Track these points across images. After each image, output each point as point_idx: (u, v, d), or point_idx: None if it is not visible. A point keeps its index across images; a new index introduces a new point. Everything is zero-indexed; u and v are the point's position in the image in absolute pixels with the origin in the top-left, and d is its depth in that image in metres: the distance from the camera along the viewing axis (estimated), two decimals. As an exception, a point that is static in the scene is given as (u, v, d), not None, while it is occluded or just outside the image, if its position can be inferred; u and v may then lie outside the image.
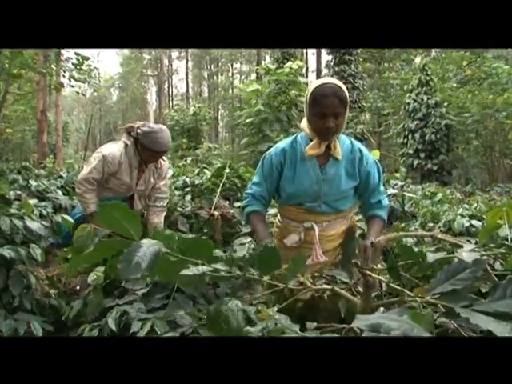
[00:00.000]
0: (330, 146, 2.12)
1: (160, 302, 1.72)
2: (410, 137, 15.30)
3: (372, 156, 2.27)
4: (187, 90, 45.14)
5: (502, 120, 14.41)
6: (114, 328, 1.55)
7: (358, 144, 2.25)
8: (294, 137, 2.27)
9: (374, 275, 1.26)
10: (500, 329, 0.85)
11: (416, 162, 14.67)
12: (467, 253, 1.04)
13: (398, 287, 1.17)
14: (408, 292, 1.14)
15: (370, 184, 2.21)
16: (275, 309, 1.23)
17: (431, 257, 1.10)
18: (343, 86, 2.06)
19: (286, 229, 2.26)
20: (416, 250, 1.13)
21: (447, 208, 4.12)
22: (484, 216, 3.87)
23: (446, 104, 15.52)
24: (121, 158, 3.27)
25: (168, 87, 46.92)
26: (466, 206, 4.20)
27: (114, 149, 3.30)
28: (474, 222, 3.59)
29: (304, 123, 2.17)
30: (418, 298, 1.09)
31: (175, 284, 1.72)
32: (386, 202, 2.27)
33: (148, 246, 1.23)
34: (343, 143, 2.19)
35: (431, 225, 3.79)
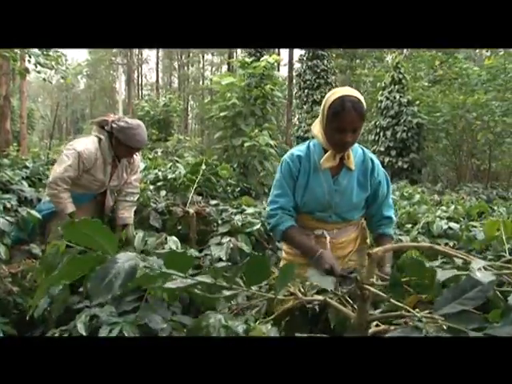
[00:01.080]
0: (343, 156, 2.08)
1: (132, 305, 1.62)
2: (381, 134, 15.42)
3: (381, 166, 2.23)
4: (157, 80, 44.56)
5: (471, 121, 14.65)
6: (83, 333, 1.44)
7: (369, 153, 2.20)
8: (307, 144, 2.21)
9: (372, 289, 1.18)
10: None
11: (387, 159, 14.78)
12: (481, 273, 0.96)
13: (400, 304, 1.09)
14: (411, 309, 1.06)
15: (379, 196, 2.17)
16: (269, 326, 1.13)
17: (441, 274, 1.01)
18: (362, 98, 1.99)
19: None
20: (428, 265, 1.05)
21: (425, 210, 4.11)
22: (461, 218, 3.89)
23: (417, 103, 15.69)
24: (96, 155, 3.11)
25: (138, 76, 46.20)
26: (444, 207, 4.20)
27: (89, 144, 3.12)
28: (451, 224, 3.59)
29: (317, 130, 2.11)
30: (423, 319, 1.00)
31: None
32: (394, 217, 2.23)
33: (124, 261, 1.11)
34: (356, 153, 2.14)
35: (409, 226, 3.78)
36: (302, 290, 1.52)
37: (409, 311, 1.09)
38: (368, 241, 2.35)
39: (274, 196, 2.20)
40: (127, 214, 3.32)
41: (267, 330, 1.14)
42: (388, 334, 1.04)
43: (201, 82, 42.11)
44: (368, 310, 1.25)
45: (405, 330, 1.02)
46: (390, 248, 1.33)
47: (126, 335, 1.36)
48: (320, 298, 1.42)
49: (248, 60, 6.71)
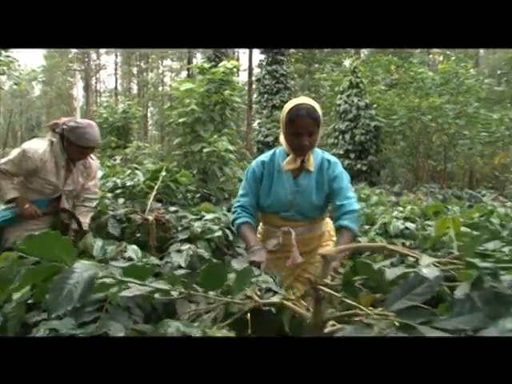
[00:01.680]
0: (304, 159, 2.29)
1: (92, 316, 1.58)
2: (340, 137, 15.68)
3: (341, 166, 2.40)
4: (116, 87, 43.96)
5: (426, 123, 15.07)
6: None
7: (327, 155, 2.40)
8: (273, 151, 2.43)
9: (326, 289, 1.20)
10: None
11: (346, 162, 15.03)
12: (427, 268, 0.99)
13: (353, 302, 1.11)
14: (364, 307, 1.08)
15: (336, 188, 2.30)
16: (225, 330, 1.14)
17: (390, 273, 1.05)
18: (317, 106, 2.22)
19: (267, 234, 2.44)
20: (376, 267, 1.08)
21: (382, 211, 4.21)
22: (417, 218, 3.99)
23: (375, 106, 16.03)
24: (44, 156, 3.05)
25: (96, 83, 45.48)
26: (400, 208, 4.30)
27: (38, 145, 3.09)
28: (408, 224, 3.68)
29: (282, 139, 2.33)
30: (375, 316, 1.03)
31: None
32: (354, 207, 2.30)
33: (82, 271, 1.10)
34: (316, 156, 2.35)
35: (367, 227, 3.85)
36: (259, 293, 1.53)
37: (362, 309, 1.12)
38: (334, 238, 2.45)
39: (239, 196, 2.46)
40: (83, 220, 3.27)
41: (223, 334, 1.14)
42: (340, 333, 1.06)
43: (160, 88, 41.78)
44: (323, 310, 1.28)
45: (356, 327, 1.05)
46: (343, 249, 1.36)
47: None
48: (276, 300, 1.43)
49: (206, 65, 6.70)
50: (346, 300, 1.14)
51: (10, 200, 3.05)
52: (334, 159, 2.38)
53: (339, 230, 2.30)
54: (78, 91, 38.00)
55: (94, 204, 3.43)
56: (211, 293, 1.39)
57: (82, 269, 1.12)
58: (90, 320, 1.56)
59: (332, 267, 1.47)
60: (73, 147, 3.07)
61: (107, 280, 1.19)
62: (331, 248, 1.35)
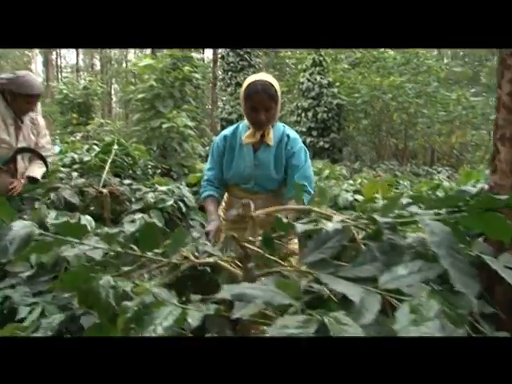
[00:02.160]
0: (264, 133, 2.36)
1: (47, 284, 1.64)
2: (303, 115, 15.80)
3: (300, 142, 2.46)
4: (77, 62, 42.83)
5: (387, 102, 15.33)
6: None
7: (289, 130, 2.47)
8: (236, 125, 2.52)
9: (251, 247, 1.31)
10: (353, 292, 0.92)
11: (308, 139, 15.18)
12: (331, 224, 1.10)
13: (273, 257, 1.22)
14: (282, 262, 1.19)
15: (295, 165, 2.38)
16: (153, 283, 1.23)
17: (300, 227, 1.16)
18: (274, 82, 2.30)
19: (230, 204, 2.53)
20: (285, 221, 1.19)
21: (333, 184, 4.33)
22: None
23: (337, 84, 16.17)
24: None
25: (56, 58, 44.17)
26: (351, 181, 4.44)
27: None
28: (357, 196, 3.82)
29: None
30: (289, 268, 1.14)
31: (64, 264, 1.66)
32: (310, 188, 2.37)
33: (19, 229, 1.17)
34: (277, 131, 2.42)
35: (317, 199, 3.96)
36: (196, 253, 1.63)
37: (282, 264, 1.23)
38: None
39: (205, 170, 2.58)
40: (37, 168, 3.29)
41: (155, 290, 1.22)
42: (260, 282, 1.16)
43: (124, 65, 40.96)
44: (253, 267, 1.38)
45: (275, 278, 1.16)
46: (270, 210, 1.46)
47: (48, 315, 1.40)
48: (211, 260, 1.53)
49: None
50: (267, 255, 1.25)
51: None
52: (293, 134, 2.45)
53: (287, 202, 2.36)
54: (37, 66, 36.91)
55: (50, 160, 3.46)
56: (149, 254, 1.48)
57: (20, 226, 1.18)
58: (45, 289, 1.64)
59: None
60: (18, 99, 3.07)
61: (44, 239, 1.25)
62: (259, 211, 1.45)
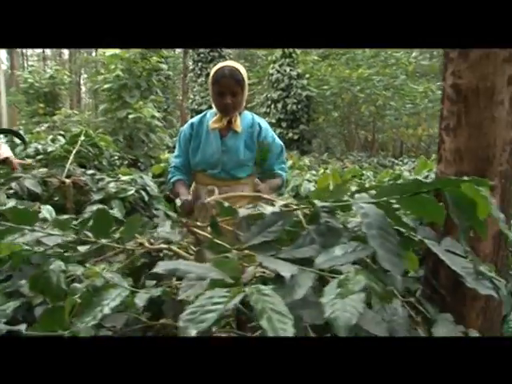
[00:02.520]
0: (231, 120, 2.41)
1: (4, 274, 1.65)
2: (272, 107, 15.84)
3: (271, 130, 2.53)
4: (44, 51, 41.82)
5: (356, 93, 15.50)
6: None
7: (259, 119, 2.53)
8: (204, 113, 2.57)
9: (201, 232, 1.36)
10: (285, 269, 0.98)
11: (278, 131, 15.24)
12: (270, 208, 1.16)
13: (219, 241, 1.27)
14: (227, 245, 1.24)
15: (274, 152, 2.47)
16: (104, 267, 1.27)
17: (242, 212, 1.22)
18: (241, 68, 2.36)
19: (196, 191, 2.53)
20: (227, 205, 1.24)
21: (296, 174, 4.41)
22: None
23: (307, 76, 16.26)
24: None
25: (23, 46, 42.93)
26: (313, 172, 4.52)
27: None
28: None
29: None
30: (234, 250, 1.20)
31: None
32: (283, 174, 2.51)
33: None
34: (245, 118, 2.48)
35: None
36: (152, 240, 1.67)
37: (226, 247, 1.28)
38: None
39: (173, 157, 2.64)
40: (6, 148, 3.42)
41: (107, 274, 1.26)
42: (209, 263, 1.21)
43: (93, 54, 40.22)
44: (202, 250, 1.43)
45: (216, 260, 1.21)
46: (223, 197, 1.51)
47: None
48: (165, 246, 1.57)
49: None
50: (215, 240, 1.30)
51: None
52: (264, 124, 2.52)
53: (274, 176, 2.49)
54: (1, 54, 35.96)
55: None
56: (103, 240, 1.51)
57: (-30, 214, 1.21)
58: (2, 279, 1.65)
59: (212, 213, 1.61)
60: None
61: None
62: (211, 197, 1.50)
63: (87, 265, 1.66)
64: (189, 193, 2.49)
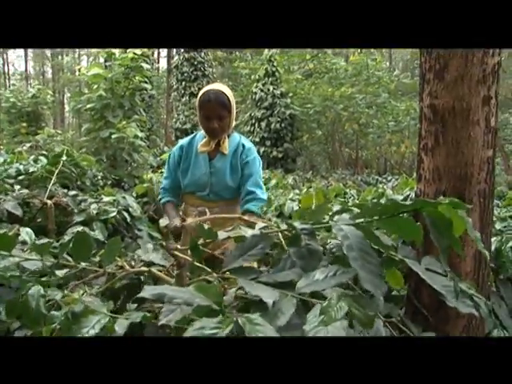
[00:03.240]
0: (219, 142, 2.42)
1: None
2: (256, 125, 15.90)
3: (255, 152, 2.52)
4: (26, 69, 41.64)
5: (339, 112, 15.64)
6: None
7: (244, 140, 2.54)
8: (194, 134, 2.58)
9: (181, 255, 1.35)
10: (267, 295, 0.98)
11: (262, 149, 15.28)
12: (251, 231, 1.16)
13: (200, 264, 1.26)
14: (207, 269, 1.24)
15: (247, 174, 2.44)
16: (83, 292, 1.26)
17: (222, 235, 1.22)
18: (227, 92, 2.37)
19: (186, 213, 2.52)
20: (207, 228, 1.24)
21: (280, 193, 4.41)
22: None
23: (290, 95, 16.39)
24: None
25: (3, 64, 42.79)
26: (297, 191, 4.52)
27: None
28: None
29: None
30: (214, 274, 1.19)
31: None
32: (263, 196, 2.43)
33: None
34: (233, 140, 2.49)
35: (264, 209, 4.03)
36: (133, 263, 1.66)
37: (207, 270, 1.27)
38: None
39: (162, 179, 2.68)
40: None
41: (87, 299, 1.24)
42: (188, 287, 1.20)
43: (77, 73, 40.11)
44: (183, 273, 1.42)
45: (199, 285, 1.20)
46: (202, 219, 1.51)
47: None
48: (145, 269, 1.56)
49: (116, 51, 6.62)
50: (195, 263, 1.29)
51: None
52: (248, 144, 2.52)
53: (242, 213, 2.39)
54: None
55: None
56: (83, 264, 1.49)
57: None
58: None
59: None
60: None
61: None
62: (191, 220, 1.49)
63: (67, 289, 1.65)
64: (178, 215, 2.47)
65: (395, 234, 1.40)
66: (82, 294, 1.29)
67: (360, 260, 1.05)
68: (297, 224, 1.18)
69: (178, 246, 1.35)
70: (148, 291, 0.93)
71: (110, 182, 5.78)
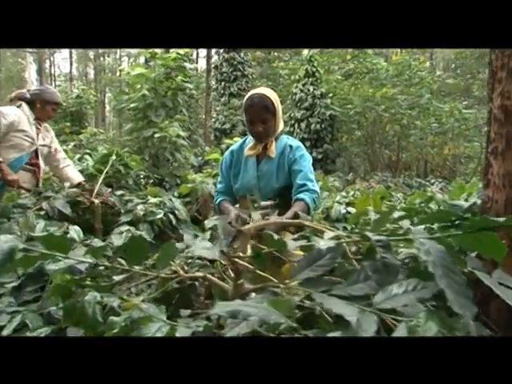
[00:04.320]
0: (266, 145, 2.45)
1: (33, 295, 1.61)
2: (296, 126, 15.77)
3: (304, 150, 2.50)
4: (71, 71, 42.73)
5: (380, 113, 15.37)
6: None
7: (291, 141, 2.53)
8: (244, 139, 2.63)
9: (242, 262, 1.28)
10: (349, 312, 0.90)
11: (302, 150, 15.12)
12: (324, 241, 1.08)
13: (263, 273, 1.19)
14: (272, 278, 1.16)
15: (297, 170, 2.40)
16: (141, 298, 1.20)
17: (292, 244, 1.14)
18: (271, 95, 2.37)
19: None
20: (276, 237, 1.16)
21: (326, 196, 4.32)
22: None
23: (330, 95, 16.21)
24: (18, 112, 3.57)
25: (50, 66, 44.08)
26: (344, 193, 4.42)
27: (8, 107, 3.62)
28: (350, 208, 3.80)
29: None
30: (281, 285, 1.12)
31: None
32: (314, 188, 2.36)
33: (3, 243, 1.14)
34: (280, 143, 2.49)
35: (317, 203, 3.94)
36: (186, 268, 1.60)
37: (272, 280, 1.20)
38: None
39: (217, 183, 2.72)
40: (74, 175, 3.88)
41: (140, 303, 1.20)
42: (249, 299, 1.14)
43: (118, 73, 40.90)
44: (243, 282, 1.35)
45: (264, 294, 1.13)
46: (260, 225, 1.44)
47: (29, 324, 1.36)
48: (200, 274, 1.50)
49: (159, 51, 6.65)
50: (258, 271, 1.22)
51: None
52: (295, 143, 2.50)
53: (295, 201, 2.34)
54: (31, 74, 36.87)
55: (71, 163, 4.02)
56: (136, 267, 1.45)
57: (3, 240, 1.15)
58: (30, 299, 1.60)
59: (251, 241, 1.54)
60: (47, 106, 3.67)
61: (28, 253, 1.22)
62: (249, 225, 1.43)
63: (122, 294, 1.61)
64: (236, 209, 2.44)
65: (473, 249, 1.30)
66: (142, 301, 1.24)
67: (446, 278, 0.96)
68: (371, 235, 1.10)
69: (241, 254, 1.28)
70: (221, 308, 0.86)
71: (151, 181, 5.80)
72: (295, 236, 1.25)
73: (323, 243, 1.07)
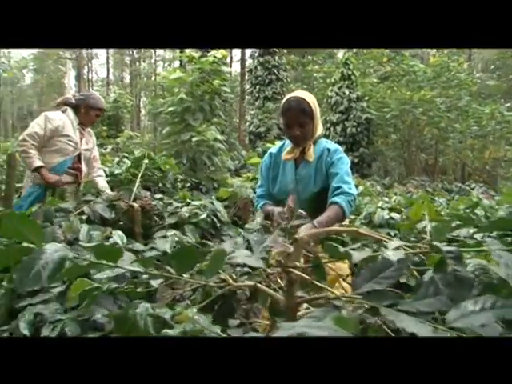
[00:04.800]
0: (304, 149, 2.39)
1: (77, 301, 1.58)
2: (331, 129, 15.67)
3: (342, 153, 2.42)
4: (107, 76, 43.63)
5: (418, 116, 15.11)
6: (26, 333, 1.39)
7: (330, 144, 2.46)
8: (283, 142, 2.57)
9: (297, 272, 1.22)
10: (423, 331, 0.82)
11: (338, 154, 15.00)
12: (392, 251, 1.00)
13: (323, 285, 1.13)
14: (332, 290, 1.09)
15: (333, 173, 2.33)
16: (195, 309, 1.15)
17: (356, 256, 1.06)
18: (309, 98, 2.31)
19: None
20: (342, 249, 1.09)
21: (368, 201, 4.22)
22: (403, 209, 4.01)
23: (366, 98, 16.04)
24: (63, 117, 3.63)
25: (88, 72, 45.10)
26: (386, 199, 4.32)
27: (54, 112, 3.68)
28: (393, 214, 3.70)
29: None
30: (342, 298, 1.05)
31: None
32: (350, 191, 2.25)
33: (52, 252, 1.11)
34: (319, 147, 2.42)
35: (352, 217, 3.86)
36: (234, 276, 1.54)
37: (332, 292, 1.13)
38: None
39: (257, 187, 2.65)
40: (105, 184, 3.91)
41: (194, 315, 1.15)
42: (309, 314, 1.07)
43: (153, 78, 41.51)
44: (296, 292, 1.29)
45: (325, 308, 1.06)
46: (315, 233, 1.37)
47: (69, 334, 1.33)
48: (250, 283, 1.44)
49: (196, 55, 6.66)
50: (316, 282, 1.15)
51: (36, 168, 3.47)
52: (334, 147, 2.44)
53: (329, 205, 2.25)
54: (70, 80, 37.78)
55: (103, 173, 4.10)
56: (185, 275, 1.40)
57: (52, 250, 1.12)
58: (75, 305, 1.57)
59: (312, 250, 1.47)
60: (91, 111, 3.74)
61: (78, 262, 1.18)
62: (303, 233, 1.36)
63: (165, 301, 1.57)
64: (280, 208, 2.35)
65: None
66: (193, 312, 1.18)
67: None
68: (441, 246, 1.01)
69: (298, 264, 1.21)
70: (287, 330, 0.79)
71: (188, 185, 5.80)
72: (355, 246, 1.18)
73: (391, 253, 1.00)
